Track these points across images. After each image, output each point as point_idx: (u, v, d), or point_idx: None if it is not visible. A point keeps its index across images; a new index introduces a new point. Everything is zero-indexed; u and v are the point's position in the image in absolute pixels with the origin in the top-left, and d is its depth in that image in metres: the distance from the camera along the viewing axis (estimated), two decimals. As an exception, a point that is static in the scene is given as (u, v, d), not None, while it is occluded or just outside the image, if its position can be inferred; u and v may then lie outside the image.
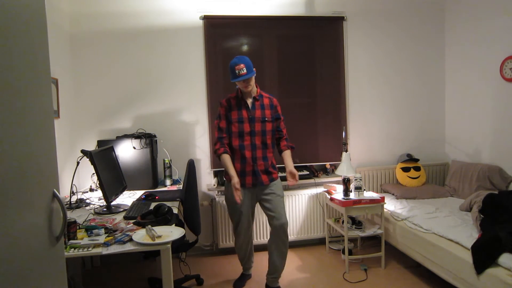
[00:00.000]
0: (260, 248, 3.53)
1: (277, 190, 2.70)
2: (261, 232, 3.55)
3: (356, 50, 3.79)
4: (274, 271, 2.72)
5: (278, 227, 2.62)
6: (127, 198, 2.83)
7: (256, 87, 2.69)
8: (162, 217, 2.11)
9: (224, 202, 3.43)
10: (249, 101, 2.67)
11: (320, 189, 3.60)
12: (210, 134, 3.56)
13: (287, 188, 3.51)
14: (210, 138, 3.57)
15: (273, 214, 2.63)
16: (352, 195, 3.11)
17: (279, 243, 2.66)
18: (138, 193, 2.95)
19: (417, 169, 3.72)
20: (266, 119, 2.66)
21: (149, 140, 3.12)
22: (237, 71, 2.52)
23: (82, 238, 1.86)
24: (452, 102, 3.92)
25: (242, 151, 2.63)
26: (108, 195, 2.37)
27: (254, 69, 2.57)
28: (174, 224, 2.12)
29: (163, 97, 3.50)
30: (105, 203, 2.49)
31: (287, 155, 2.70)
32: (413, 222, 2.91)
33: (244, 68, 2.51)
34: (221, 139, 2.64)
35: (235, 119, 2.63)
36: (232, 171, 2.53)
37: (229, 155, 2.60)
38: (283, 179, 2.99)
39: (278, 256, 2.68)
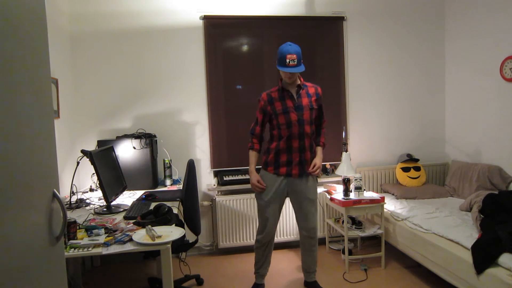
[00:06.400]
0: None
1: (312, 193, 2.64)
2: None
3: (356, 50, 3.79)
4: (308, 269, 2.78)
5: (307, 233, 2.66)
6: (127, 198, 2.83)
7: (299, 77, 2.60)
8: (162, 217, 2.11)
9: (223, 202, 3.45)
10: (293, 91, 2.56)
11: (320, 189, 3.59)
12: (210, 134, 3.56)
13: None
14: (210, 138, 3.56)
15: (303, 220, 2.65)
16: (352, 195, 3.11)
17: (308, 246, 2.71)
18: (138, 193, 2.95)
19: (417, 169, 3.72)
20: (313, 107, 2.57)
21: (149, 140, 3.12)
22: (287, 60, 2.38)
23: (82, 238, 1.86)
24: (452, 102, 3.92)
25: (289, 141, 2.53)
26: (108, 195, 2.38)
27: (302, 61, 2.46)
28: (174, 224, 2.12)
29: (163, 97, 3.50)
30: (105, 203, 2.49)
31: (319, 150, 2.70)
32: (413, 222, 2.91)
33: (296, 60, 2.38)
34: (253, 130, 2.67)
35: (280, 110, 2.52)
36: (252, 167, 2.62)
37: (255, 152, 2.65)
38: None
39: (309, 256, 2.74)
